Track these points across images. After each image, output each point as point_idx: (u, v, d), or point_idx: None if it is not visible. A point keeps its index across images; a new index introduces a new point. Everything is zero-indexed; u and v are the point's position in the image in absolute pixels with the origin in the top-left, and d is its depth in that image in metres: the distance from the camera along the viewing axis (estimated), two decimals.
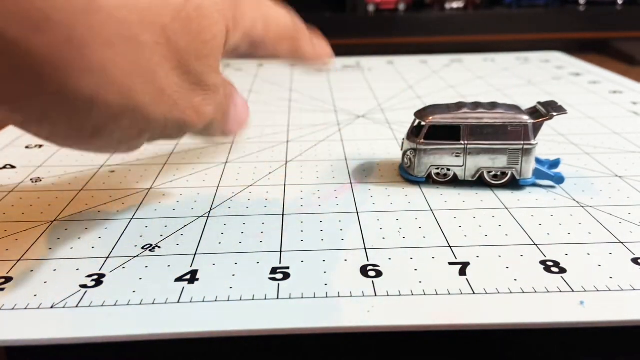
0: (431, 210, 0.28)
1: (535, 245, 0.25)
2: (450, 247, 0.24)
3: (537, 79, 0.57)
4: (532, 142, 0.29)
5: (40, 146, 0.38)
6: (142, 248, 0.25)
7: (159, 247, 0.25)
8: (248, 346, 0.21)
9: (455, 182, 0.30)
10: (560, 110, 0.29)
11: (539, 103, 0.31)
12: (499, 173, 0.30)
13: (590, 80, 0.55)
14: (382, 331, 0.19)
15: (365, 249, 0.24)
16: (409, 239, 0.25)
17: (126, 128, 0.18)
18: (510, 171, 0.30)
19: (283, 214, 0.28)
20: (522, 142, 0.29)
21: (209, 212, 0.28)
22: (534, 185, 0.30)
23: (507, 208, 0.28)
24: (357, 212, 0.28)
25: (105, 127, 0.18)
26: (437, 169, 0.30)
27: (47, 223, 0.27)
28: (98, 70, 0.16)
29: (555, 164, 0.32)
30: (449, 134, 0.29)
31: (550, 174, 0.30)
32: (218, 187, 0.31)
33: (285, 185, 0.31)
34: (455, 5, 0.74)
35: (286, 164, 0.35)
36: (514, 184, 0.30)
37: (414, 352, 0.21)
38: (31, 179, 0.33)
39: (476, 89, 0.53)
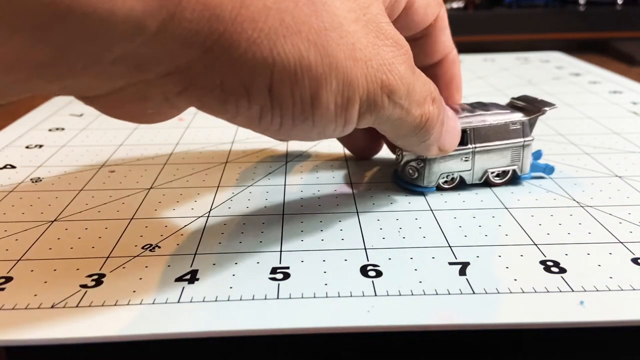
0: (431, 210, 0.28)
1: (535, 245, 0.25)
2: (450, 247, 0.24)
3: (537, 79, 0.57)
4: (530, 137, 0.30)
5: (41, 146, 0.38)
6: (142, 248, 0.25)
7: (159, 247, 0.25)
8: (248, 346, 0.21)
9: (462, 185, 0.30)
10: (549, 104, 0.30)
11: (514, 99, 0.31)
12: (501, 172, 0.30)
13: (590, 80, 0.55)
14: (382, 331, 0.19)
15: (365, 249, 0.24)
16: (409, 239, 0.25)
17: (336, 93, 0.20)
18: (512, 168, 0.30)
19: (283, 214, 0.28)
20: (522, 139, 0.30)
21: (209, 212, 0.28)
22: (533, 185, 0.30)
23: (507, 208, 0.28)
24: (357, 212, 0.28)
25: (319, 93, 0.19)
26: (446, 176, 0.30)
27: (47, 223, 0.27)
28: (296, 32, 0.18)
29: (537, 156, 0.32)
30: None
31: (541, 165, 0.31)
32: (218, 187, 0.31)
33: (285, 185, 0.31)
34: (455, 5, 0.74)
35: (286, 164, 0.35)
36: (513, 182, 0.30)
37: (414, 352, 0.21)
38: (31, 179, 0.33)
39: (476, 89, 0.53)
